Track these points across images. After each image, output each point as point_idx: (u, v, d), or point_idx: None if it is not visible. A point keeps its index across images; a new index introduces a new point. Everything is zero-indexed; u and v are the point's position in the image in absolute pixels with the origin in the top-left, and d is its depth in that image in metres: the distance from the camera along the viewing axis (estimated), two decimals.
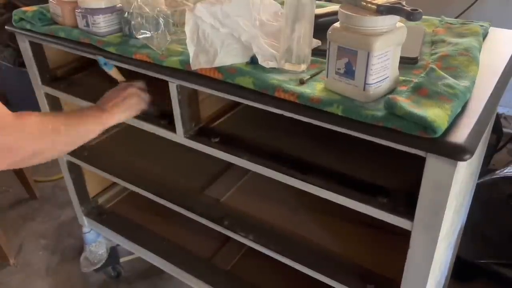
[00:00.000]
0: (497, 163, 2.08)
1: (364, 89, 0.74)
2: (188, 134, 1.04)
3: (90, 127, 0.92)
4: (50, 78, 1.33)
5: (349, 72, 0.75)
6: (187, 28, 0.89)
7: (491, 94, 0.80)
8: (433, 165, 0.70)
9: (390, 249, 1.01)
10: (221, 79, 0.88)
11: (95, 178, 1.58)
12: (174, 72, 0.94)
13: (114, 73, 1.08)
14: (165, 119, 1.08)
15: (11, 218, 2.01)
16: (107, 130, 1.51)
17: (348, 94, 0.77)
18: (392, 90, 0.79)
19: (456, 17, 1.95)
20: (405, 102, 0.71)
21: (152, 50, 0.98)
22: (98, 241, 1.62)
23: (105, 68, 1.07)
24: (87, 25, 1.07)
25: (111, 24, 1.08)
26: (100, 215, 1.58)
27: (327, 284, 0.99)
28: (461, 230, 1.35)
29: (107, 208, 1.61)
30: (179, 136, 1.05)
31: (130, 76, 1.12)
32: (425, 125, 0.67)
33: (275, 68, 0.88)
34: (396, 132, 0.70)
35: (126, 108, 0.99)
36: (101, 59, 1.05)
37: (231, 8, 0.88)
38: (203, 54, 0.89)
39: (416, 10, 0.68)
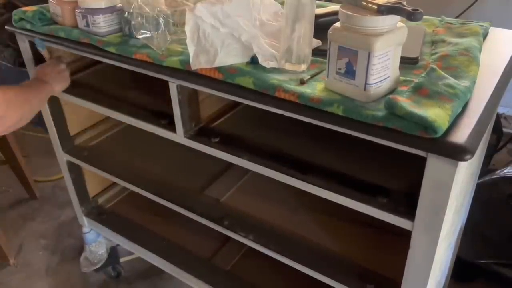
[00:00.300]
0: (497, 163, 2.07)
1: (364, 89, 0.74)
2: (188, 134, 1.04)
3: (44, 97, 1.15)
4: None
5: (349, 72, 0.75)
6: (187, 28, 0.88)
7: (492, 94, 0.80)
8: (434, 165, 0.70)
9: (390, 249, 1.01)
10: (221, 79, 0.88)
11: (95, 178, 1.58)
12: (174, 72, 0.94)
13: (45, 53, 1.23)
14: (165, 119, 1.08)
15: (11, 218, 2.01)
16: (107, 130, 1.54)
17: (349, 94, 0.77)
18: (392, 90, 0.79)
19: (456, 17, 1.95)
20: (405, 102, 0.71)
21: (152, 50, 0.98)
22: (98, 241, 1.62)
23: (39, 48, 1.22)
24: (87, 25, 1.07)
25: (111, 24, 1.07)
26: (100, 215, 1.58)
27: (327, 284, 0.99)
28: (461, 230, 1.35)
29: (107, 208, 1.61)
30: (179, 136, 1.05)
31: (131, 76, 1.12)
32: (425, 125, 0.67)
33: (275, 68, 0.88)
34: (397, 132, 0.70)
35: (62, 80, 1.20)
36: (37, 40, 1.18)
37: (232, 8, 0.88)
38: (203, 54, 0.89)
39: (417, 10, 0.68)
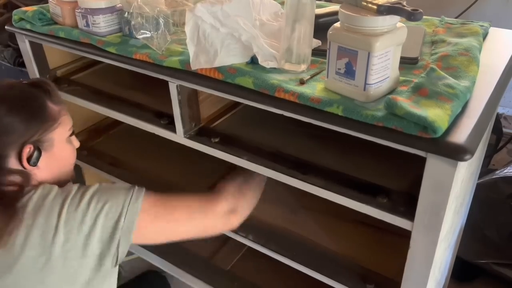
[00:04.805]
0: (497, 163, 2.08)
1: (364, 89, 0.74)
2: (188, 134, 1.04)
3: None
4: (50, 78, 1.33)
5: (349, 72, 0.75)
6: (187, 28, 0.89)
7: (491, 94, 0.80)
8: (434, 165, 0.70)
9: (390, 249, 1.01)
10: (221, 79, 0.88)
11: (95, 178, 1.58)
12: (174, 72, 0.94)
13: None
14: (165, 119, 1.08)
15: None
16: (107, 130, 1.54)
17: (349, 94, 0.77)
18: (392, 90, 0.79)
19: (456, 17, 1.95)
20: (405, 102, 0.71)
21: (152, 50, 0.98)
22: None
23: None
24: (87, 25, 1.07)
25: (111, 24, 1.08)
26: None
27: (327, 284, 0.99)
28: (461, 230, 1.35)
29: None
30: (179, 136, 1.05)
31: (131, 76, 1.12)
32: (425, 125, 0.67)
33: (275, 68, 0.88)
34: (397, 132, 0.70)
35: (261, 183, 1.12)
36: None
37: (231, 8, 0.88)
38: (203, 54, 0.89)
39: (417, 10, 0.68)
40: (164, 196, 0.91)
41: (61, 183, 0.93)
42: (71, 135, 0.96)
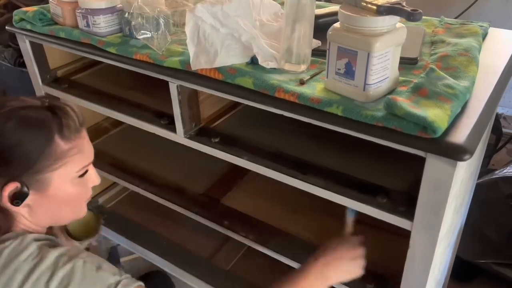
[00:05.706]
0: (496, 163, 2.08)
1: (364, 90, 0.75)
2: (188, 134, 1.04)
3: None
4: (50, 78, 1.33)
5: (349, 73, 0.75)
6: (188, 29, 0.89)
7: (491, 94, 0.80)
8: (433, 165, 0.70)
9: (390, 249, 1.01)
10: (221, 79, 0.88)
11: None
12: (174, 72, 0.95)
13: (350, 222, 0.96)
14: (165, 119, 1.08)
15: None
16: (107, 130, 1.54)
17: (348, 94, 0.77)
18: (392, 91, 0.79)
19: (456, 17, 1.95)
20: (405, 103, 0.71)
21: (153, 50, 0.98)
22: (98, 240, 1.62)
23: (349, 215, 0.95)
24: (88, 25, 1.07)
25: (112, 25, 1.08)
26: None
27: None
28: (460, 230, 1.35)
29: (107, 208, 1.61)
30: (179, 136, 1.05)
31: (131, 76, 1.12)
32: (425, 125, 0.67)
33: (275, 68, 0.88)
34: (396, 132, 0.71)
35: (348, 270, 0.88)
36: (351, 210, 0.93)
37: (231, 8, 0.88)
38: (204, 55, 0.89)
39: (416, 10, 0.68)
40: None
41: (61, 223, 0.85)
42: (83, 174, 0.80)
